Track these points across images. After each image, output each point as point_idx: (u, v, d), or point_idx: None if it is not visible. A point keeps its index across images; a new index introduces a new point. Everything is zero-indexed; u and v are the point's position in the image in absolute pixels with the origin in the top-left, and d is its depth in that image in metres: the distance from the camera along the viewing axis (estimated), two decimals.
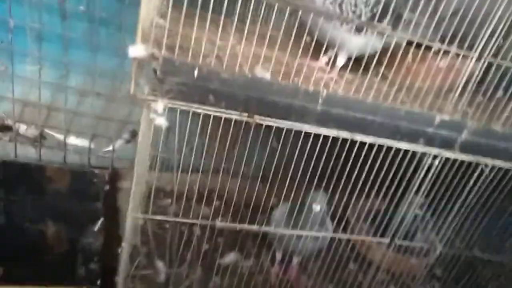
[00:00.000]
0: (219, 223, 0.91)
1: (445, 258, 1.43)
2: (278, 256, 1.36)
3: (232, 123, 0.73)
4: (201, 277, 1.27)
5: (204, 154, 0.97)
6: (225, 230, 1.43)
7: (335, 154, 0.84)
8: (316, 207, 1.05)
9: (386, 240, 0.96)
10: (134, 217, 0.83)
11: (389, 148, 0.83)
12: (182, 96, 0.67)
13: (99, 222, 1.56)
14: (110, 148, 1.59)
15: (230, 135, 0.81)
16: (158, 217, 0.90)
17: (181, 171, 0.88)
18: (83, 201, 1.56)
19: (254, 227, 0.94)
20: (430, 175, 0.87)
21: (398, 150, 0.84)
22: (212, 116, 0.73)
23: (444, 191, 0.91)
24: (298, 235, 1.10)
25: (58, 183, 1.59)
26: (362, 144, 0.81)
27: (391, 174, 0.87)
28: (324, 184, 0.92)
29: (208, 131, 0.82)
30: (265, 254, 1.34)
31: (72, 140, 1.57)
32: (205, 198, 0.97)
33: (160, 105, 0.68)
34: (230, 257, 1.35)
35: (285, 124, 0.74)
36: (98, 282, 1.52)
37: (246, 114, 0.71)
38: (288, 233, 1.08)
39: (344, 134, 0.78)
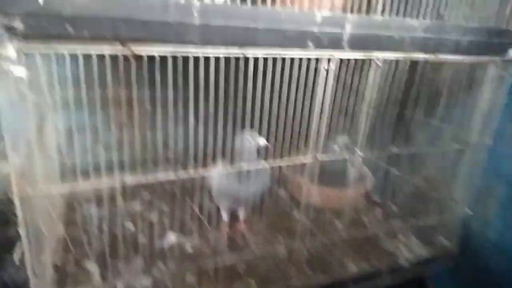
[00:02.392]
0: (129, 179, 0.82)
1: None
2: (224, 216, 1.31)
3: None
4: (142, 267, 1.17)
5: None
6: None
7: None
8: (261, 141, 1.02)
9: (309, 159, 0.95)
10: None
11: (283, 60, 0.82)
12: (34, 32, 0.58)
13: (18, 250, 1.37)
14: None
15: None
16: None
17: None
18: None
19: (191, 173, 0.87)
20: (329, 80, 0.87)
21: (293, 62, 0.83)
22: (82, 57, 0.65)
23: (347, 96, 0.92)
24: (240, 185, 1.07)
25: None
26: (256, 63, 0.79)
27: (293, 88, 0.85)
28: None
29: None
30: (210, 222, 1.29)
31: None
32: None
33: (10, 49, 0.58)
34: (169, 239, 1.27)
35: (166, 49, 0.69)
36: None
37: (118, 43, 0.64)
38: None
39: (234, 50, 0.74)
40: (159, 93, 0.78)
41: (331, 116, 0.93)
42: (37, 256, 0.83)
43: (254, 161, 1.08)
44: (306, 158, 0.95)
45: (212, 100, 0.79)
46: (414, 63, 0.98)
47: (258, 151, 1.08)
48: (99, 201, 1.46)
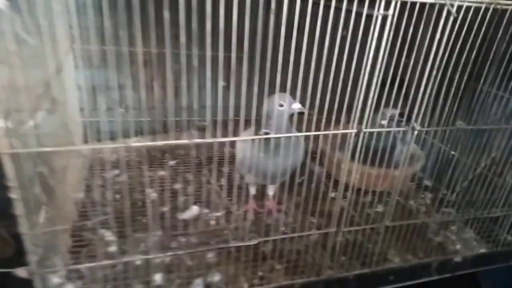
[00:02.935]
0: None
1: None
2: (252, 190, 1.19)
3: None
4: (161, 239, 1.09)
5: None
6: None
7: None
8: (295, 105, 0.87)
9: (352, 130, 0.78)
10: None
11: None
12: None
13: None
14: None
15: None
16: None
17: None
18: None
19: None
20: (387, 29, 0.69)
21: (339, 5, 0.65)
22: None
23: (408, 48, 0.73)
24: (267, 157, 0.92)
25: None
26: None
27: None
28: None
29: None
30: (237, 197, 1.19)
31: None
32: None
33: None
34: (192, 211, 1.17)
35: None
36: None
37: None
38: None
39: None
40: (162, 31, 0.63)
41: (384, 79, 0.75)
42: (34, 220, 0.75)
43: (285, 130, 0.93)
44: (349, 130, 0.79)
45: (234, 51, 0.63)
46: (499, 13, 0.76)
47: (291, 118, 0.93)
48: (120, 165, 1.39)
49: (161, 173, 1.39)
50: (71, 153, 1.24)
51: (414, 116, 0.81)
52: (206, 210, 1.20)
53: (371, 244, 1.05)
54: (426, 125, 0.83)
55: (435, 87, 0.80)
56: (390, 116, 1.24)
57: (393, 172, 1.20)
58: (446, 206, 1.27)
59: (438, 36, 0.73)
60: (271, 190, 1.21)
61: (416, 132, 0.82)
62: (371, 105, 0.77)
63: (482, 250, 1.16)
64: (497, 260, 1.14)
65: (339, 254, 0.97)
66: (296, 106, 0.89)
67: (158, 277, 0.92)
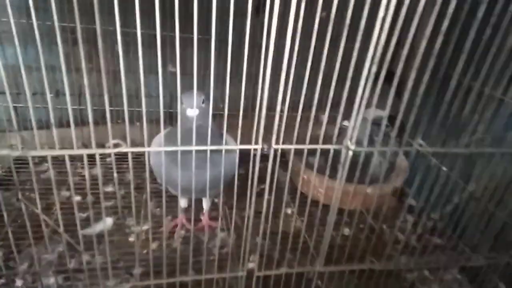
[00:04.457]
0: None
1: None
2: (183, 203, 0.98)
3: None
4: (59, 258, 0.89)
5: None
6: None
7: None
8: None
9: (256, 146, 0.53)
10: None
11: None
12: None
13: None
14: None
15: None
16: None
17: None
18: None
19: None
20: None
21: None
22: None
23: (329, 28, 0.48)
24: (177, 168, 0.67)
25: None
26: None
27: None
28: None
29: None
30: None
31: None
32: None
33: None
34: (105, 224, 0.95)
35: None
36: None
37: None
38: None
39: None
40: None
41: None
42: None
43: (198, 135, 0.69)
44: (252, 146, 0.54)
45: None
46: None
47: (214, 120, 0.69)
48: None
49: (94, 172, 1.19)
50: None
51: (351, 130, 0.56)
52: (131, 222, 1.00)
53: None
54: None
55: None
56: (375, 120, 1.00)
57: (365, 188, 0.95)
58: (431, 234, 1.00)
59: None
60: (205, 204, 0.99)
61: (350, 153, 0.57)
62: (281, 109, 0.52)
63: None
64: None
65: None
66: (193, 112, 0.67)
67: None
